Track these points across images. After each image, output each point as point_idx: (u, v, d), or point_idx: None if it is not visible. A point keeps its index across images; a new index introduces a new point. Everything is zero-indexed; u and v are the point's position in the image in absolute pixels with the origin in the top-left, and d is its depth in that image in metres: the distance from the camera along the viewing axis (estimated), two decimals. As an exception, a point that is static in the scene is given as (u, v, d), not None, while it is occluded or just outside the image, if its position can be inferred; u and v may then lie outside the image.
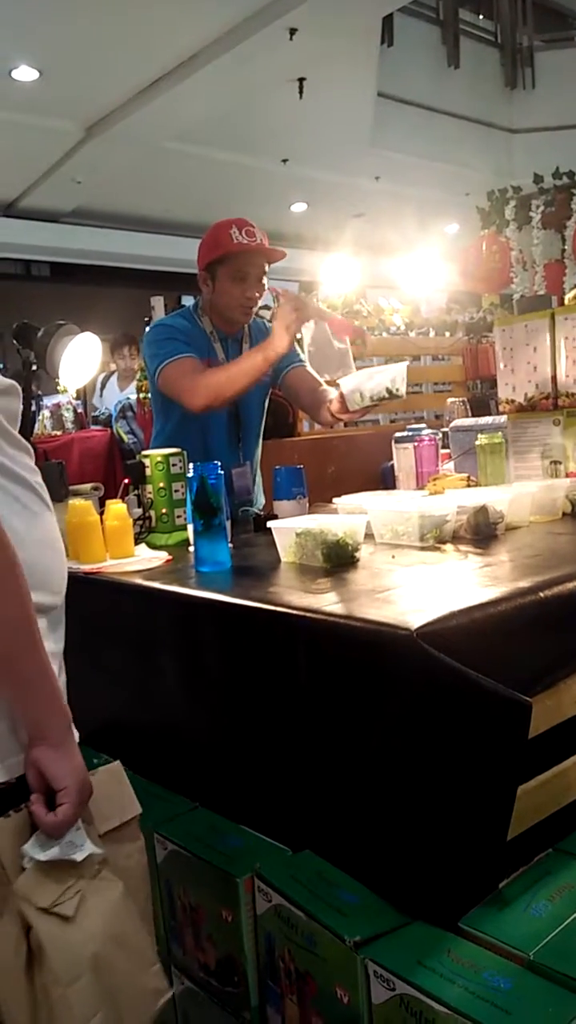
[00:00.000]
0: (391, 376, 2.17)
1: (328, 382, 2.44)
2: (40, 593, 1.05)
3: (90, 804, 1.01)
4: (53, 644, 1.09)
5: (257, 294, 2.35)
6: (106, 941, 0.97)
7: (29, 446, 1.15)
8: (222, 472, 1.69)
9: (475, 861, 1.13)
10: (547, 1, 9.33)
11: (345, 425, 3.50)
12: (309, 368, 2.56)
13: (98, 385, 5.77)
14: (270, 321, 2.53)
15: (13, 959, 0.93)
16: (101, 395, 5.81)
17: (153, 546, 1.96)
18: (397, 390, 2.16)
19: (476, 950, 1.06)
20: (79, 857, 0.96)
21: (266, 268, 2.36)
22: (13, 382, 1.14)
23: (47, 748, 0.98)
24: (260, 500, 2.56)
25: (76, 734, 1.03)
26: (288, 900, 1.19)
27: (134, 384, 5.06)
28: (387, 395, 2.17)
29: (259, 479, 2.59)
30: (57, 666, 1.08)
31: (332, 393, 2.37)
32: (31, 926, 0.94)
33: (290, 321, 2.19)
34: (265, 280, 2.38)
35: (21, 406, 1.13)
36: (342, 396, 2.26)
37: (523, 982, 0.99)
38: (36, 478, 1.13)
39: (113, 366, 5.87)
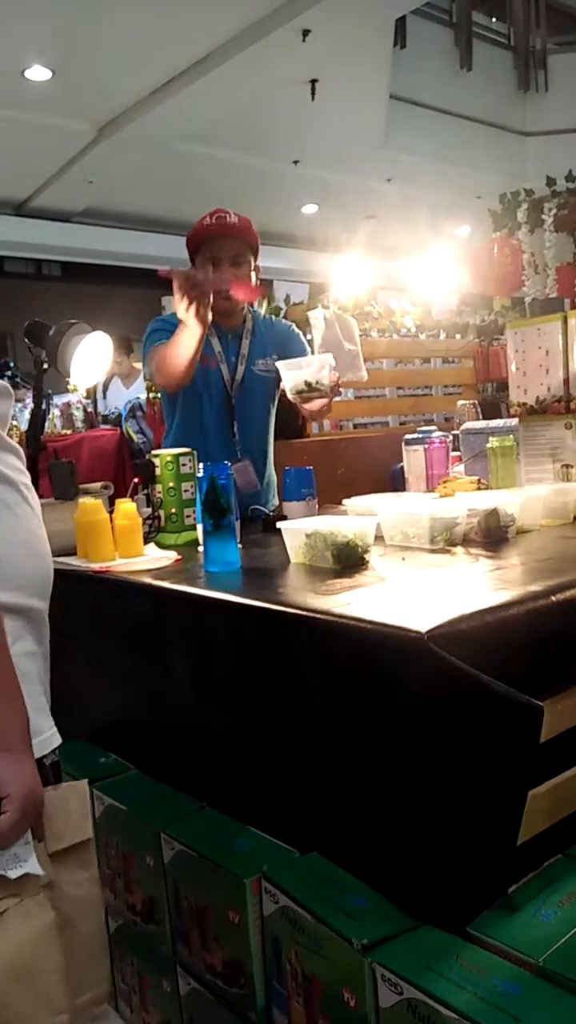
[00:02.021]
0: (313, 369, 2.11)
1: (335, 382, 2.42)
2: (12, 594, 1.04)
3: (44, 821, 0.96)
4: (33, 645, 1.08)
5: (230, 277, 2.28)
6: (4, 974, 0.88)
7: (18, 448, 1.14)
8: (231, 473, 1.69)
9: (484, 865, 1.12)
10: (560, 3, 9.30)
11: (355, 427, 3.50)
12: None
13: (99, 389, 5.78)
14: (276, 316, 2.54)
15: None
16: (104, 398, 5.83)
17: (162, 546, 1.95)
18: (318, 382, 2.08)
19: (485, 955, 1.05)
20: (13, 874, 0.90)
21: (248, 256, 2.33)
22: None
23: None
24: (273, 501, 2.55)
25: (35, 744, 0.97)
26: (295, 902, 1.19)
27: (143, 383, 5.07)
28: (307, 388, 2.09)
29: (273, 479, 2.57)
30: (39, 667, 1.07)
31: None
32: None
33: (182, 306, 2.04)
34: (250, 267, 2.34)
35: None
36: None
37: (532, 988, 0.99)
38: (24, 479, 1.12)
39: (117, 368, 5.88)
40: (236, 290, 2.07)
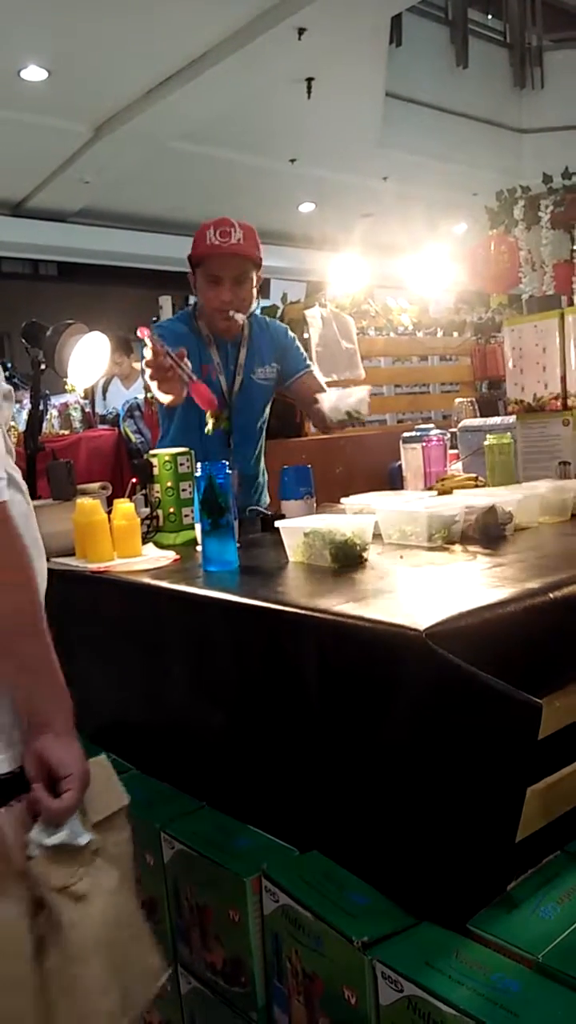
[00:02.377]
0: (354, 400, 2.26)
1: (332, 383, 2.43)
2: None
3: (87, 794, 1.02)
4: None
5: (232, 298, 2.28)
6: (113, 921, 1.00)
7: (10, 445, 1.15)
8: (231, 472, 1.69)
9: (484, 862, 1.13)
10: (556, 1, 9.29)
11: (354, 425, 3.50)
12: (316, 373, 2.56)
13: (99, 390, 5.78)
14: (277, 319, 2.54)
15: (20, 945, 0.95)
16: (104, 398, 5.83)
17: (161, 545, 1.96)
18: (358, 412, 2.26)
19: (485, 952, 1.05)
20: (83, 841, 0.98)
21: (250, 273, 2.30)
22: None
23: (52, 736, 0.99)
24: (265, 499, 2.56)
25: None
26: (295, 900, 1.19)
27: (141, 384, 5.07)
28: (347, 418, 2.27)
29: (264, 478, 2.58)
30: None
31: (321, 400, 2.40)
32: (43, 909, 0.96)
33: (151, 381, 2.03)
34: (251, 283, 2.32)
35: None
36: (321, 410, 2.34)
37: (532, 984, 0.99)
38: (17, 475, 1.14)
39: (116, 369, 5.88)
40: (194, 392, 1.94)
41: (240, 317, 2.31)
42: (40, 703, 1.00)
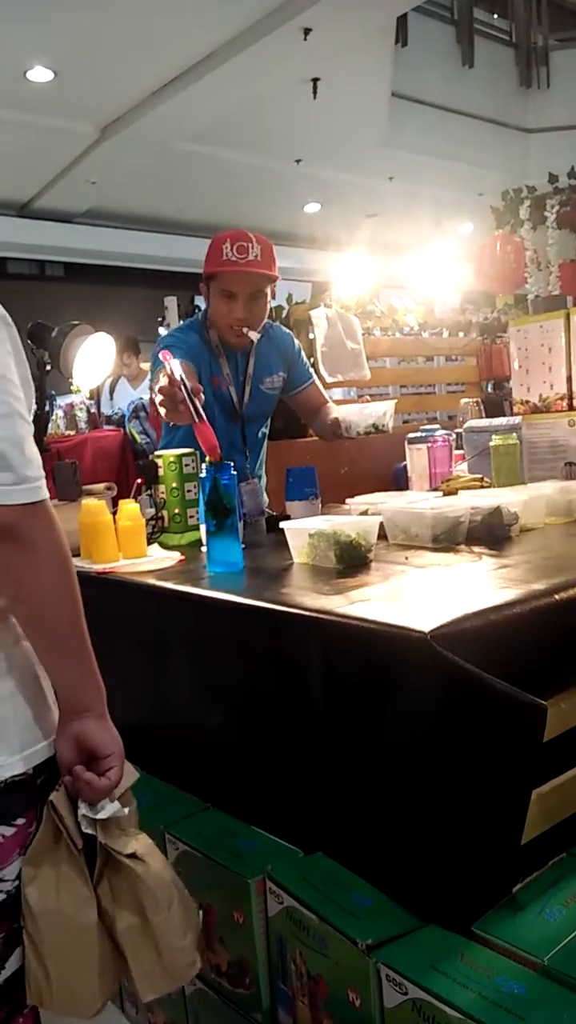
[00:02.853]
0: (379, 413, 2.28)
1: (337, 383, 2.41)
2: None
3: None
4: None
5: (246, 314, 2.24)
6: (170, 871, 1.11)
7: None
8: (235, 472, 1.69)
9: (489, 865, 1.12)
10: (562, 0, 9.27)
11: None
12: (318, 385, 2.56)
13: (106, 389, 5.78)
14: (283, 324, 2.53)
15: (85, 921, 1.03)
16: (111, 399, 5.83)
17: (166, 546, 1.96)
18: (384, 425, 2.28)
19: (490, 955, 1.05)
20: (126, 812, 1.07)
21: (265, 289, 2.27)
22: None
23: (93, 719, 1.06)
24: (264, 499, 2.56)
25: None
26: (300, 902, 1.19)
27: (147, 384, 5.07)
28: (373, 430, 2.29)
29: (263, 479, 2.59)
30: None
31: (333, 413, 2.41)
32: (102, 881, 1.05)
33: (161, 408, 1.95)
34: (266, 298, 2.30)
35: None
36: (338, 422, 2.34)
37: (537, 987, 0.99)
38: None
39: (124, 370, 5.89)
40: (199, 433, 1.85)
41: (254, 335, 2.28)
42: (82, 690, 1.06)
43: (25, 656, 1.06)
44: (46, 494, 0.99)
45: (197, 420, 1.82)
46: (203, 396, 1.89)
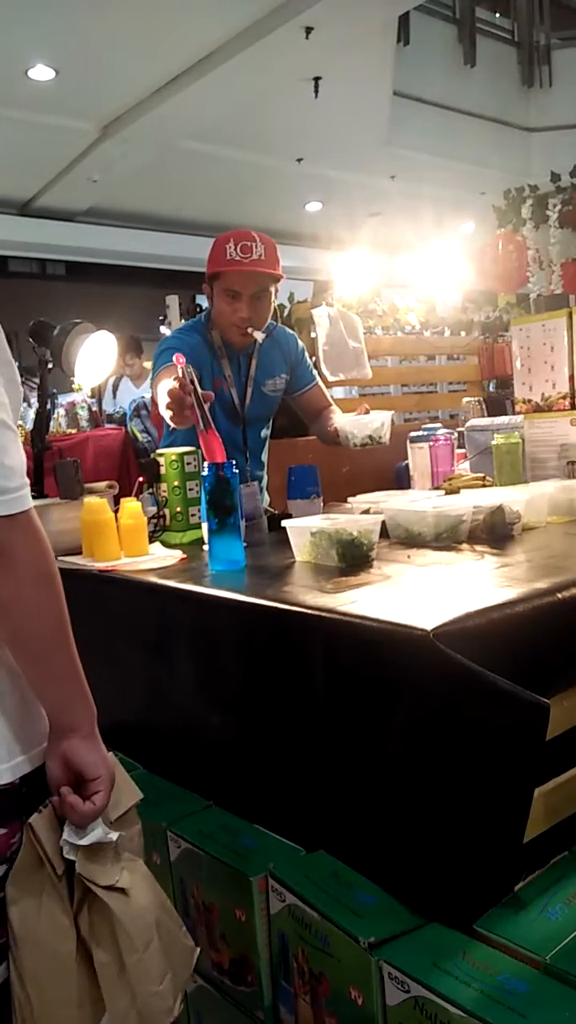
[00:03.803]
0: (376, 424, 2.27)
1: (338, 382, 2.40)
2: None
3: None
4: None
5: (251, 314, 2.23)
6: (156, 908, 1.05)
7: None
8: (237, 471, 1.69)
9: (491, 863, 1.12)
10: (564, -1, 9.27)
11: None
12: (322, 388, 2.56)
13: (108, 388, 5.78)
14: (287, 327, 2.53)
15: (63, 948, 0.98)
16: (114, 397, 5.83)
17: (167, 544, 1.96)
18: (380, 437, 2.27)
19: (492, 953, 1.05)
20: (113, 838, 1.01)
21: (269, 288, 2.26)
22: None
23: (79, 739, 1.01)
24: (265, 498, 2.57)
25: None
26: (302, 900, 1.19)
27: (149, 383, 5.07)
28: (370, 441, 2.28)
29: (264, 478, 2.59)
30: None
31: (334, 419, 2.41)
32: (83, 910, 0.99)
33: (167, 409, 1.91)
34: (270, 298, 2.29)
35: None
36: (336, 433, 2.35)
37: (539, 986, 0.99)
38: None
39: (127, 370, 5.89)
40: (203, 441, 1.81)
41: (259, 335, 2.28)
42: (68, 708, 1.01)
43: (10, 663, 1.02)
44: (28, 504, 0.95)
45: (204, 428, 1.79)
46: (212, 402, 1.86)
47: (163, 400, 1.89)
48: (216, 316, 2.31)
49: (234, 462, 1.69)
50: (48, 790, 1.02)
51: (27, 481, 0.97)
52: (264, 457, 2.58)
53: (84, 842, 0.99)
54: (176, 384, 1.80)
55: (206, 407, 1.80)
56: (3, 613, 0.96)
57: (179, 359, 1.84)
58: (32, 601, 0.96)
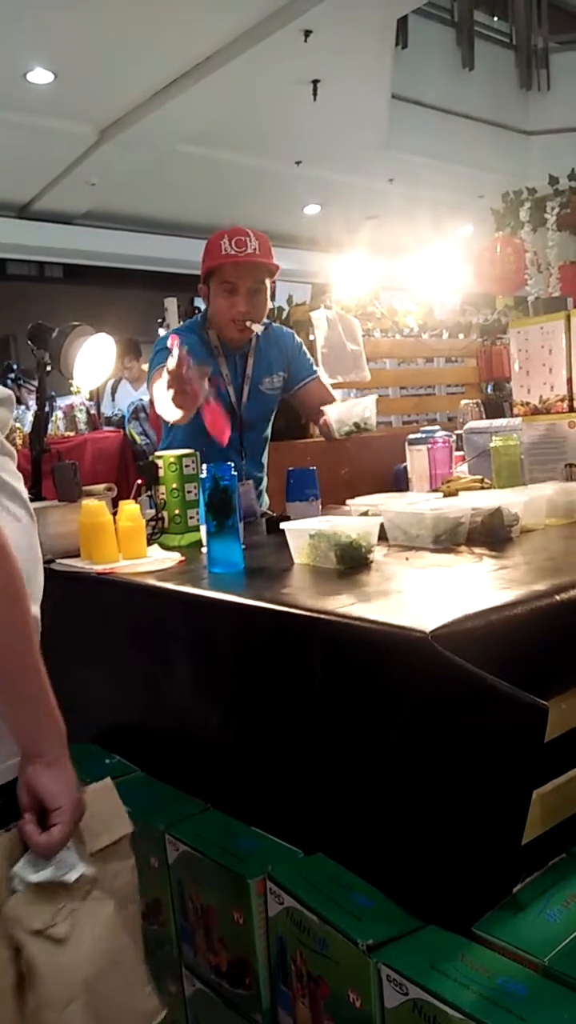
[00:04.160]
0: (360, 409, 2.22)
1: (337, 385, 2.40)
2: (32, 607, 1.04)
3: (80, 823, 0.99)
4: None
5: (249, 308, 2.25)
6: (99, 963, 0.94)
7: (12, 450, 1.14)
8: (235, 473, 1.69)
9: (489, 865, 1.12)
10: (562, 2, 9.29)
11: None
12: (323, 378, 2.55)
13: (107, 391, 5.79)
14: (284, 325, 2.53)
15: (3, 980, 0.91)
16: (113, 400, 5.84)
17: (166, 547, 1.96)
18: (366, 422, 2.21)
19: (490, 955, 1.05)
20: (71, 878, 0.94)
21: (265, 281, 2.28)
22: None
23: (42, 767, 0.96)
24: (265, 500, 2.57)
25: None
26: (300, 902, 1.19)
27: (146, 385, 5.07)
28: (356, 429, 2.23)
29: (264, 481, 2.59)
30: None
31: (327, 413, 2.38)
32: (21, 948, 0.91)
33: (167, 388, 1.90)
34: (265, 293, 2.30)
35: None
36: (326, 424, 2.32)
37: (538, 988, 0.98)
38: (18, 484, 1.12)
39: (126, 373, 5.90)
40: (207, 413, 1.86)
41: (257, 327, 2.29)
42: (31, 733, 0.97)
43: None
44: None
45: (205, 401, 1.79)
46: (209, 381, 1.86)
47: (161, 389, 1.88)
48: (213, 314, 2.32)
49: (231, 464, 1.69)
50: (14, 811, 0.97)
51: None
52: (264, 459, 2.58)
53: (34, 879, 0.92)
54: (174, 363, 1.80)
55: (204, 382, 1.80)
56: None
57: (174, 340, 1.85)
58: None
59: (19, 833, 0.95)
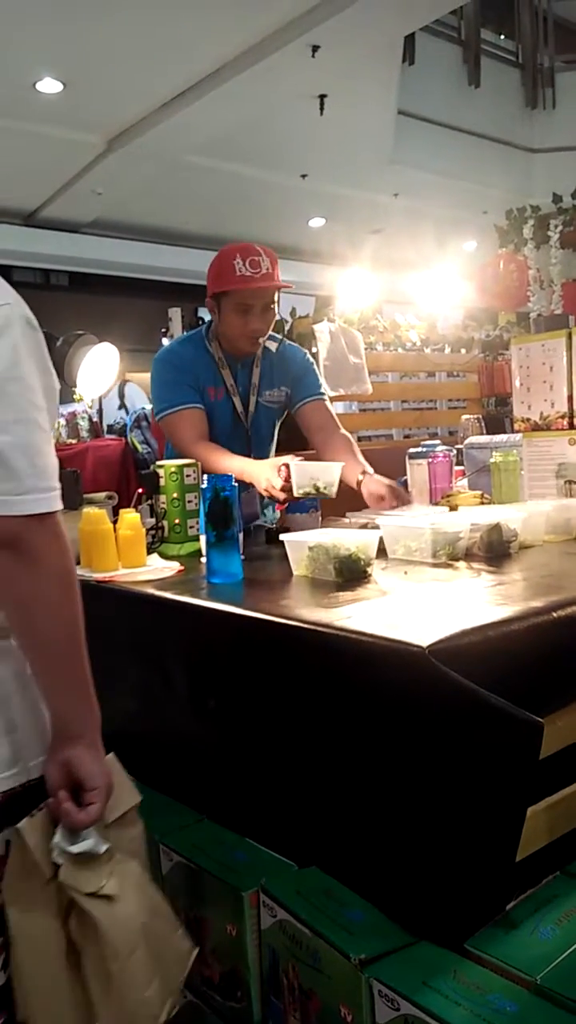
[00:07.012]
0: (325, 474, 2.06)
1: (339, 397, 2.38)
2: None
3: None
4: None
5: (262, 325, 2.29)
6: (147, 913, 1.04)
7: None
8: (236, 484, 1.70)
9: (483, 882, 1.12)
10: (569, 22, 9.35)
11: (359, 439, 3.49)
12: (327, 403, 2.55)
13: (115, 393, 5.79)
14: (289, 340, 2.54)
15: (52, 950, 0.99)
16: (121, 401, 5.84)
17: (165, 556, 1.96)
18: (327, 486, 2.05)
19: (482, 972, 1.05)
20: (102, 850, 1.01)
21: (274, 297, 2.31)
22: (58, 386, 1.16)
23: (84, 748, 1.02)
24: (273, 515, 2.56)
25: None
26: (293, 916, 1.18)
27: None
28: (314, 492, 2.07)
29: None
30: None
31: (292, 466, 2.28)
32: (72, 914, 0.99)
33: (266, 485, 2.08)
34: (275, 306, 2.32)
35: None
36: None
37: (529, 1006, 0.98)
38: None
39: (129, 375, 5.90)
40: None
41: (272, 344, 2.37)
42: (76, 715, 1.02)
43: (22, 671, 1.03)
44: (57, 506, 0.96)
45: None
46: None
47: (266, 483, 2.06)
48: (225, 329, 2.33)
49: (232, 475, 1.69)
50: (40, 798, 1.02)
51: (58, 485, 0.98)
52: None
53: (75, 850, 0.99)
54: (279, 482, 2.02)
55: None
56: (24, 614, 0.97)
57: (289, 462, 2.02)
58: (52, 605, 0.97)
59: (54, 810, 1.00)
